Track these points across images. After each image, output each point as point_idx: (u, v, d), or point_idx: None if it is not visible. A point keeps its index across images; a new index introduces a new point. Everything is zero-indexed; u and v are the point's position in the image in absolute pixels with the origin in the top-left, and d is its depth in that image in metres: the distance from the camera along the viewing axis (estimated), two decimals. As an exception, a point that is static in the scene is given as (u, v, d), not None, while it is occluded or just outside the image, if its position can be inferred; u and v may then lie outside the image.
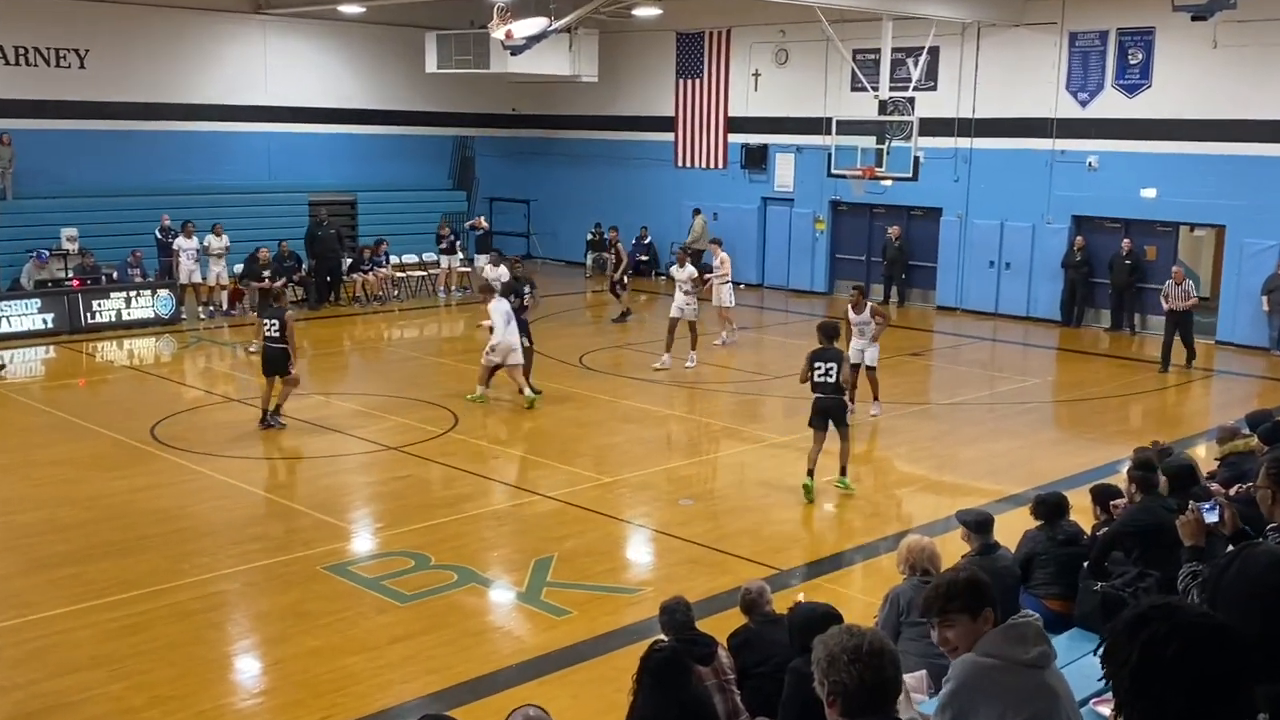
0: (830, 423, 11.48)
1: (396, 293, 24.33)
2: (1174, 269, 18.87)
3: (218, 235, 22.06)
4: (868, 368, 14.36)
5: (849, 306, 14.51)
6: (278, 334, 13.66)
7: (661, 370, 16.82)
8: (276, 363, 13.73)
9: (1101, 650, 2.43)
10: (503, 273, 18.22)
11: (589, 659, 7.99)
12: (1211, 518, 5.59)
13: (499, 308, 15.03)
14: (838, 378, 11.39)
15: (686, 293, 17.57)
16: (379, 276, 23.88)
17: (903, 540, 6.66)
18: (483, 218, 25.74)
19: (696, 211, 26.76)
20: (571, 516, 10.95)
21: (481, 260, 24.41)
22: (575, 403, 15.61)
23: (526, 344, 15.22)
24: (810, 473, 11.49)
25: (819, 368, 11.44)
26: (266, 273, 20.91)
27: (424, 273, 25.10)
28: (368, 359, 19.35)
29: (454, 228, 25.61)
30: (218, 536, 10.28)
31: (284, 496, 11.38)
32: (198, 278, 21.82)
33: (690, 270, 17.80)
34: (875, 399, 14.67)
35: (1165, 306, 18.38)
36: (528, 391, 14.99)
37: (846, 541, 10.51)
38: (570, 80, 26.94)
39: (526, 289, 15.73)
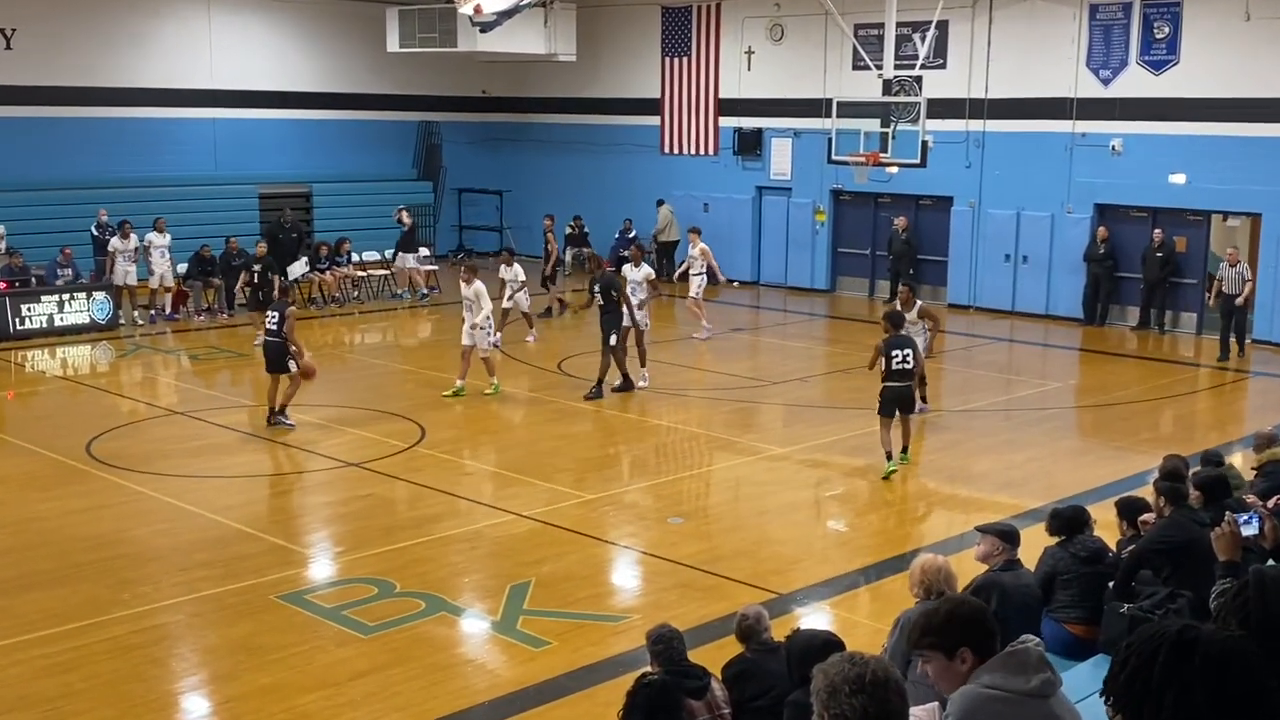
0: (898, 411, 12.70)
1: (357, 294, 24.29)
2: (1229, 250, 19.41)
3: (159, 232, 21.99)
4: None
5: (898, 304, 14.82)
6: (276, 326, 14.27)
7: (644, 388, 16.63)
8: (276, 357, 14.29)
9: (1109, 676, 2.44)
10: (518, 272, 18.97)
11: (570, 694, 7.97)
12: (1250, 530, 5.62)
13: (483, 288, 15.86)
14: (914, 365, 12.57)
15: (637, 297, 17.02)
16: (337, 276, 23.83)
17: (915, 560, 6.67)
18: (405, 211, 25.39)
19: (661, 202, 26.85)
20: (550, 538, 10.94)
21: (411, 260, 24.43)
22: (553, 413, 15.60)
23: (613, 343, 15.85)
24: (889, 455, 12.71)
25: (895, 355, 12.53)
26: (258, 266, 20.57)
27: (386, 271, 25.03)
28: (325, 367, 19.22)
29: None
30: (161, 563, 10.23)
31: (234, 519, 11.35)
32: (133, 279, 21.68)
33: (646, 270, 17.71)
34: (922, 399, 14.84)
35: (1225, 292, 18.99)
36: (458, 382, 15.98)
37: (852, 562, 10.54)
38: (546, 59, 26.98)
39: (596, 289, 16.16)
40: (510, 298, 19.37)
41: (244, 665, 8.33)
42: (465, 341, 15.89)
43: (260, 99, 26.54)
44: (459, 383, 15.98)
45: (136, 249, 21.64)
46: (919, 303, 15.07)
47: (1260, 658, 2.34)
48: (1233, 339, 19.25)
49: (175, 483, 12.37)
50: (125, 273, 21.51)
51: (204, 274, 22.34)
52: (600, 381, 15.95)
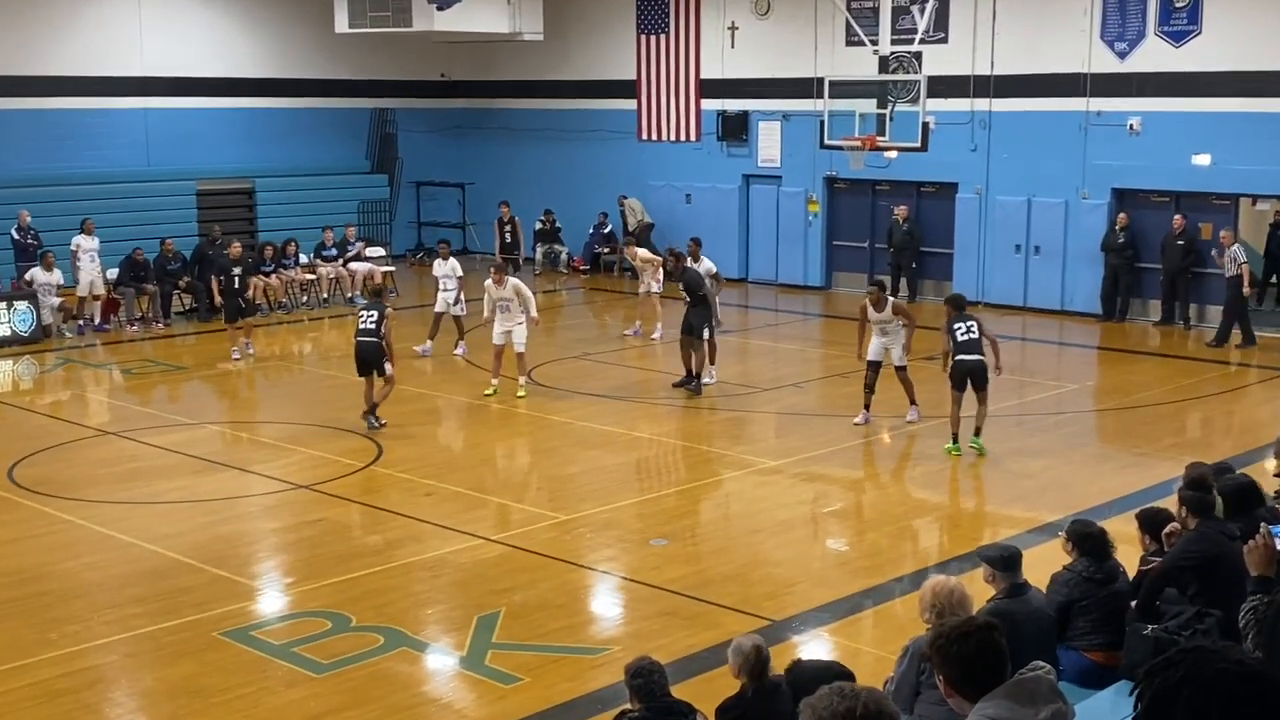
0: (970, 385, 13.70)
1: (306, 299, 24.21)
2: (1222, 231, 20.09)
3: (88, 234, 21.86)
4: (896, 368, 15.05)
5: (869, 304, 15.02)
6: (373, 325, 14.93)
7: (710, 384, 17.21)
8: (371, 358, 14.98)
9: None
10: (454, 267, 19.22)
11: (544, 734, 7.98)
12: None
13: (521, 284, 16.74)
14: (980, 335, 13.66)
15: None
16: (283, 280, 23.75)
17: (925, 582, 6.67)
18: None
19: (624, 198, 27.00)
20: (521, 563, 10.93)
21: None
22: (524, 426, 15.59)
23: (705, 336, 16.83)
24: (955, 436, 13.91)
25: (960, 327, 13.66)
26: (237, 270, 19.90)
27: (344, 271, 24.84)
28: (271, 379, 19.26)
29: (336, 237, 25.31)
30: (91, 599, 10.18)
31: (172, 549, 11.30)
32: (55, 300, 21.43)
33: (708, 264, 18.64)
34: (912, 403, 15.25)
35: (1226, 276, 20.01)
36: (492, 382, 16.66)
37: (853, 584, 10.55)
38: (510, 39, 26.97)
39: (681, 287, 17.25)
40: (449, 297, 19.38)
41: (185, 709, 8.29)
42: (497, 341, 16.47)
43: (197, 86, 26.44)
44: (494, 382, 16.56)
45: (60, 284, 21.39)
46: (891, 300, 15.29)
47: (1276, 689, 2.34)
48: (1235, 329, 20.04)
49: (107, 510, 12.31)
50: (49, 305, 21.14)
51: (137, 280, 22.22)
52: (701, 371, 16.88)
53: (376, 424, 14.99)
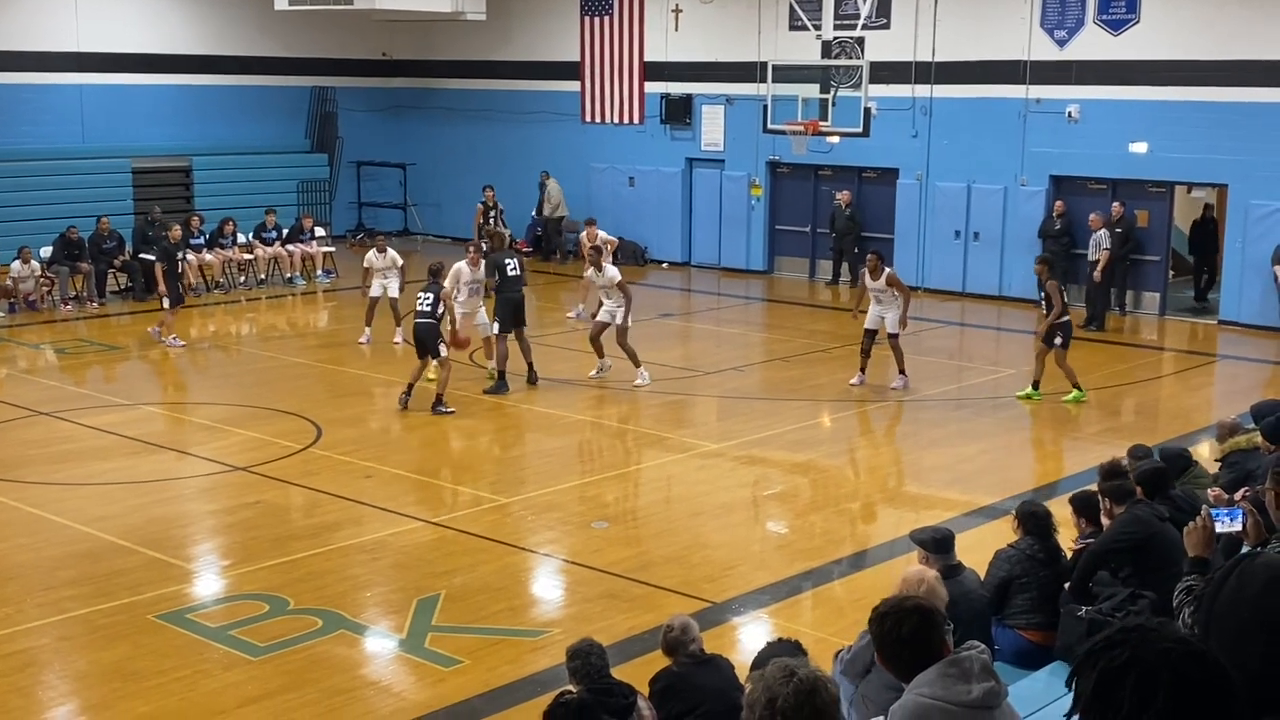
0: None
1: (244, 279, 23.98)
2: (1091, 215, 20.84)
3: (25, 262, 21.14)
4: (889, 335, 15.77)
5: (865, 272, 15.94)
6: (429, 308, 14.87)
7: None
8: (427, 339, 14.90)
9: (1075, 696, 2.48)
10: (393, 259, 18.82)
11: (484, 716, 7.97)
12: (1232, 527, 5.72)
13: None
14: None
15: (612, 301, 16.49)
16: (220, 259, 23.50)
17: (902, 575, 6.67)
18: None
19: (546, 175, 27.09)
20: (462, 546, 10.90)
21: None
22: (465, 409, 15.54)
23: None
24: (1036, 384, 15.46)
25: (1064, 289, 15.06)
26: (183, 254, 19.40)
27: (283, 251, 24.62)
28: (208, 360, 19.05)
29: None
30: (23, 581, 10.05)
31: (106, 530, 11.17)
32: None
33: (612, 272, 16.57)
34: (900, 371, 15.95)
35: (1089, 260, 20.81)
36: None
37: (793, 566, 10.62)
38: (452, 18, 26.79)
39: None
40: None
41: (119, 693, 8.21)
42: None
43: (133, 62, 26.08)
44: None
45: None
46: (887, 270, 15.84)
47: (1220, 669, 2.37)
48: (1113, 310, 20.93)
49: (39, 491, 12.15)
50: None
51: (71, 258, 21.89)
52: (502, 373, 15.93)
53: (444, 410, 14.88)
